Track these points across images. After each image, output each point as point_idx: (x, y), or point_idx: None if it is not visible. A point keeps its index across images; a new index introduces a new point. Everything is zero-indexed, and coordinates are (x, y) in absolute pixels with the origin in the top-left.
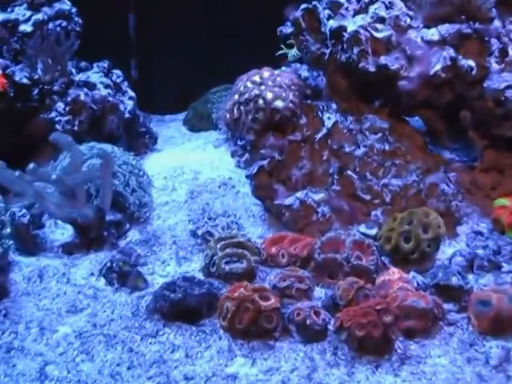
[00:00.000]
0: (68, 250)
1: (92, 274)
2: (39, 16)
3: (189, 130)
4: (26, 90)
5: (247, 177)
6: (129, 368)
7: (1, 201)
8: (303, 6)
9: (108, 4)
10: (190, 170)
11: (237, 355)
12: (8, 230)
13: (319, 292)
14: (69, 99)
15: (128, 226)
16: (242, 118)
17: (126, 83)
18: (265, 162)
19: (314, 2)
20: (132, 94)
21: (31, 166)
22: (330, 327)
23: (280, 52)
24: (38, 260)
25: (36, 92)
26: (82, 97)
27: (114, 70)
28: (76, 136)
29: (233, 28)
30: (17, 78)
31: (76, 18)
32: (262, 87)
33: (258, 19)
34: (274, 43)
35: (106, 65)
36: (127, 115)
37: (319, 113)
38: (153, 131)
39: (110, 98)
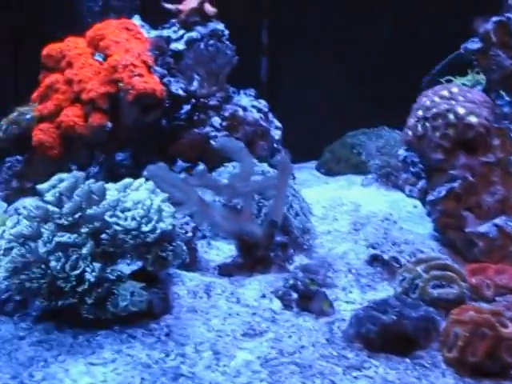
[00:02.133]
0: (227, 271)
1: (263, 296)
2: (193, 34)
3: (324, 174)
4: (180, 102)
5: (430, 202)
6: None
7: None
8: (495, 18)
9: (241, 46)
10: (349, 201)
11: None
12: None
13: None
14: (226, 114)
15: (292, 250)
16: (428, 135)
17: (271, 114)
18: (456, 184)
19: (507, 14)
20: (278, 124)
21: (200, 167)
22: None
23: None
24: (201, 275)
25: (188, 107)
26: (241, 113)
27: (261, 100)
28: None
29: (369, 72)
30: (173, 89)
31: (227, 42)
32: (453, 102)
33: (399, 67)
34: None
35: (252, 92)
36: (275, 145)
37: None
38: None
39: (262, 123)
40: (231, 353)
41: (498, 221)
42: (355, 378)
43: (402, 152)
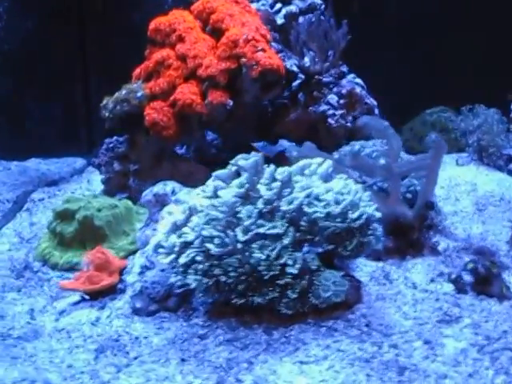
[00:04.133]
0: (376, 255)
1: (432, 281)
2: (292, 8)
3: (405, 152)
4: (290, 79)
5: None
6: None
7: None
8: None
9: None
10: (464, 181)
11: None
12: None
13: None
14: (343, 91)
15: (431, 232)
16: None
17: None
18: None
19: None
20: (374, 102)
21: (356, 146)
22: None
23: None
24: (367, 260)
25: (296, 84)
26: (358, 90)
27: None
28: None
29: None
30: (287, 65)
31: (323, 17)
32: None
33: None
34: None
35: (345, 68)
36: None
37: None
38: None
39: (367, 100)
40: (440, 341)
41: None
42: None
43: None
